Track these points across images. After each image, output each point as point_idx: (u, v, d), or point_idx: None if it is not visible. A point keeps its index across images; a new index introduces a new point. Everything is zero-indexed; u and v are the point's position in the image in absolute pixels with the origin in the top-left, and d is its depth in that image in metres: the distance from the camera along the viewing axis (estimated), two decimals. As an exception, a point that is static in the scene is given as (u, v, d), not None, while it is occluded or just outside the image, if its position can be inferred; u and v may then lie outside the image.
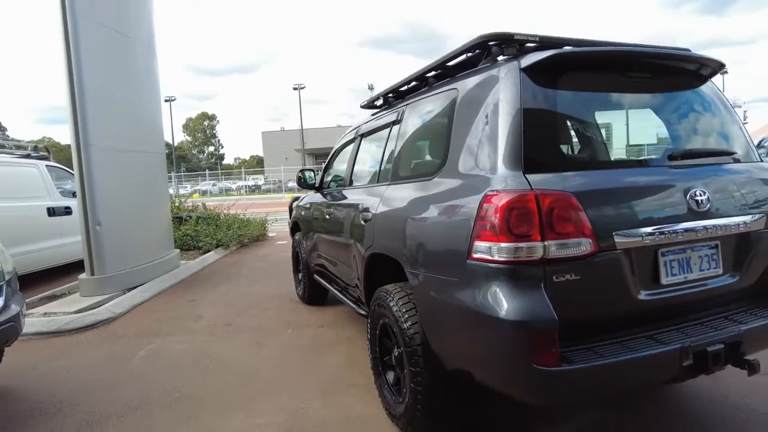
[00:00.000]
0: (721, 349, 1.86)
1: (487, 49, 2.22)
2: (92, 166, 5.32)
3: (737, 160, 2.29)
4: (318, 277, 4.53)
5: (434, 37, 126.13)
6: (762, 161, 2.34)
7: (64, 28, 5.16)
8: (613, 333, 1.89)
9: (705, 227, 1.97)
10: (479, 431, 2.52)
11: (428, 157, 2.66)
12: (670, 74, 2.31)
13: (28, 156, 7.00)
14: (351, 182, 3.73)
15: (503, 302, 1.73)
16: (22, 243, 6.04)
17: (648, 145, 2.66)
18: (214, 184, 45.38)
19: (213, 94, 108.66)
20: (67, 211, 6.79)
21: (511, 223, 1.73)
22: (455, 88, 2.38)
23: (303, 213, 4.86)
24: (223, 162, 73.26)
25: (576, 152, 2.46)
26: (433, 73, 2.74)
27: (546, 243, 1.72)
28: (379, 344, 2.74)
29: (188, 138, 75.42)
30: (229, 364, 3.63)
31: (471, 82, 2.26)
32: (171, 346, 4.06)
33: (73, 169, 5.55)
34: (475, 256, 1.84)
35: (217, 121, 76.25)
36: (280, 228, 12.34)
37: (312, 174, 4.71)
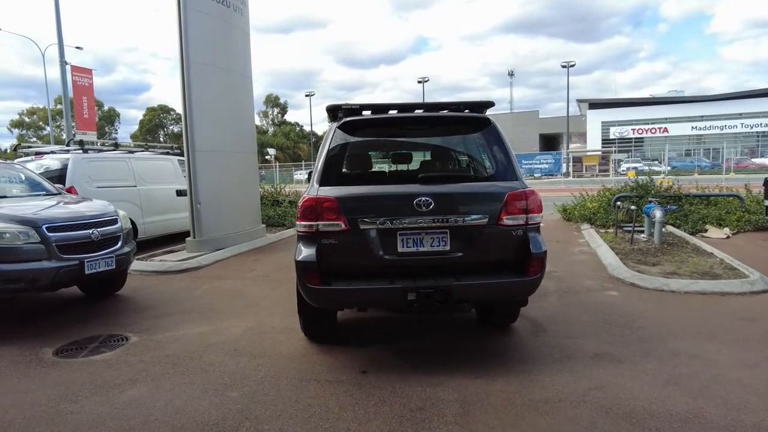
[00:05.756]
0: (431, 291, 3.27)
1: (335, 112, 3.79)
2: (197, 164, 7.84)
3: (486, 179, 3.52)
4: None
5: (588, 17, 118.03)
6: (516, 180, 3.50)
7: (181, 67, 7.67)
8: (370, 276, 3.39)
9: (424, 220, 3.31)
10: (333, 336, 4.16)
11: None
12: (444, 125, 3.64)
13: (167, 153, 10.00)
14: None
15: (300, 252, 3.38)
16: (162, 213, 9.03)
17: (407, 170, 3.95)
18: (344, 170, 49.74)
19: (361, 85, 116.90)
20: (190, 193, 9.59)
21: (305, 213, 3.37)
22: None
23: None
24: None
25: (352, 174, 3.84)
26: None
27: (319, 223, 3.32)
28: None
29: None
30: (247, 296, 5.70)
31: (327, 131, 3.87)
32: (223, 285, 6.27)
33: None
34: (297, 228, 3.50)
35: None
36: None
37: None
